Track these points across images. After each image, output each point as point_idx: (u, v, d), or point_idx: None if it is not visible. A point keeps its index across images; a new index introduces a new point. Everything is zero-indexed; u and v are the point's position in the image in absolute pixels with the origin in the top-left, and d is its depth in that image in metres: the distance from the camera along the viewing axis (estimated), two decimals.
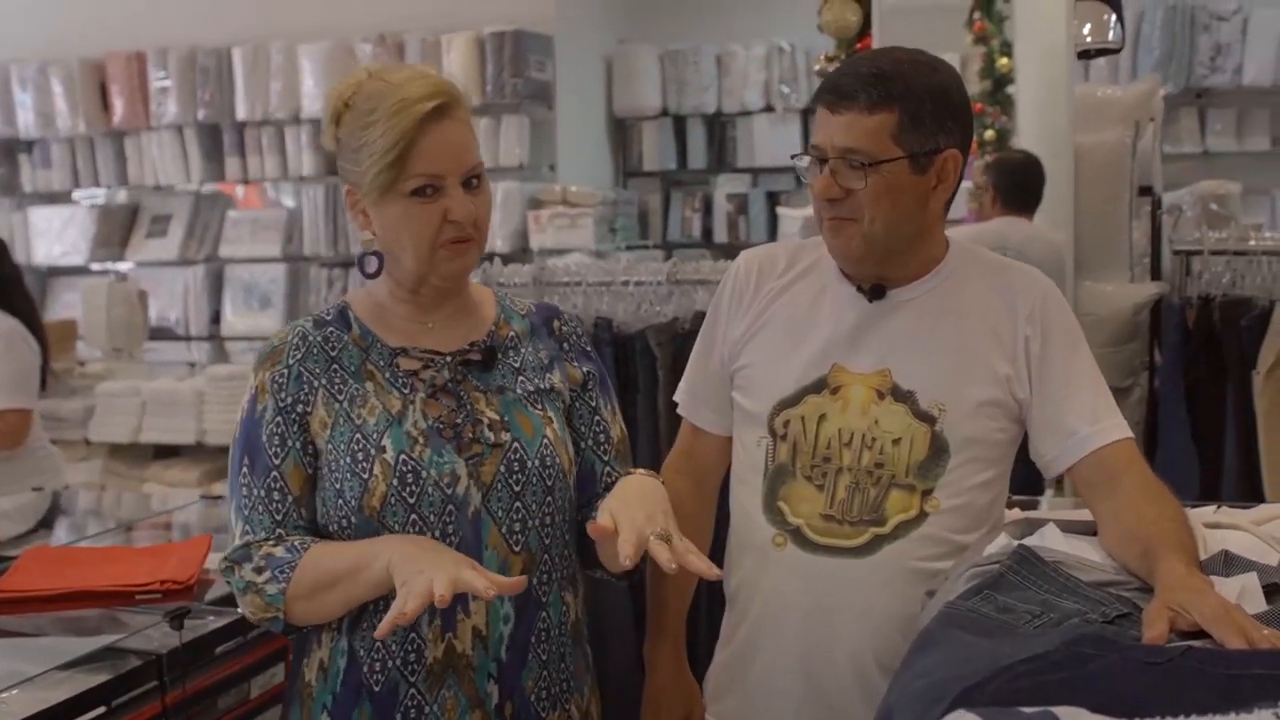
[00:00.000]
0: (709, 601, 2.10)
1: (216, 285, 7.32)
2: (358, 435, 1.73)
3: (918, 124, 1.76)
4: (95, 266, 7.43)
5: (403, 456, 1.72)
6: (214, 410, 5.75)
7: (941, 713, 1.29)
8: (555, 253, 6.40)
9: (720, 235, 8.15)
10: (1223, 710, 1.13)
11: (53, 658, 1.97)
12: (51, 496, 3.53)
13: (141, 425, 5.98)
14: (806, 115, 8.09)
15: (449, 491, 1.73)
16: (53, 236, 7.48)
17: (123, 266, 7.41)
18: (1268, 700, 1.11)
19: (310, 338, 1.80)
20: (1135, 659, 1.32)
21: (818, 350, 1.86)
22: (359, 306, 1.85)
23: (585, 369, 1.91)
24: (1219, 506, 2.04)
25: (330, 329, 1.82)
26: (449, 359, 1.81)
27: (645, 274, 3.44)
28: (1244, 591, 1.53)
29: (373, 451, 1.72)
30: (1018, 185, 4.31)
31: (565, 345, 1.91)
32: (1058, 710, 1.15)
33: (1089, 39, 3.35)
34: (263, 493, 1.74)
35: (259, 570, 1.71)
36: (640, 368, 3.22)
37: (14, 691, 1.86)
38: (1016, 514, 2.01)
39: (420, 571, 1.56)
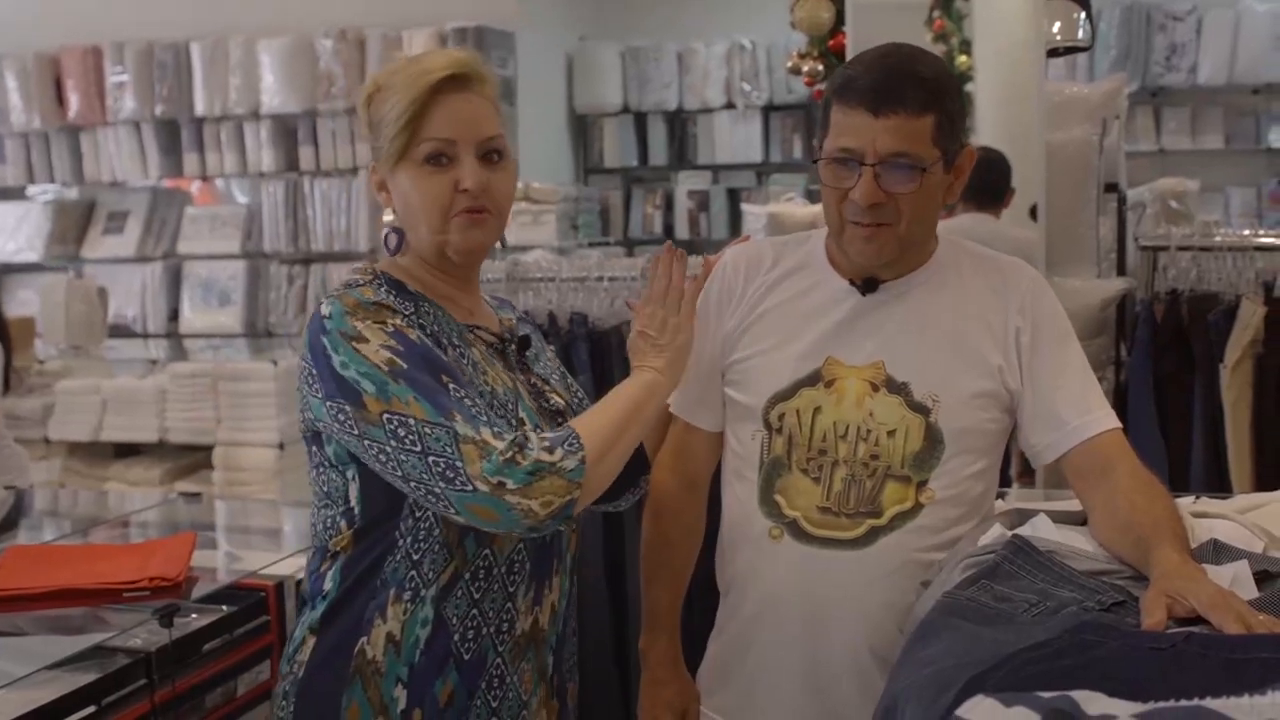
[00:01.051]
0: (701, 593, 2.10)
1: (175, 282, 7.23)
2: (495, 403, 1.72)
3: (951, 124, 1.78)
4: (50, 264, 7.33)
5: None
6: (176, 408, 5.68)
7: (951, 700, 1.31)
8: (518, 249, 6.38)
9: (682, 232, 8.18)
10: (1235, 692, 1.15)
11: (41, 657, 1.95)
12: (19, 495, 3.49)
13: (102, 424, 5.90)
14: (767, 112, 8.13)
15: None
16: (6, 233, 7.37)
17: (79, 264, 7.32)
18: (1276, 682, 1.13)
19: (383, 289, 1.74)
20: (1139, 645, 1.34)
21: (811, 343, 1.88)
22: (403, 276, 1.79)
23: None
24: (1197, 498, 2.07)
25: (389, 293, 1.75)
26: (499, 340, 1.85)
27: (618, 270, 3.45)
28: (1236, 579, 1.55)
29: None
30: (981, 182, 4.36)
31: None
32: (1074, 694, 1.17)
33: (1058, 37, 3.38)
34: (482, 401, 1.68)
35: (550, 449, 1.62)
36: (615, 362, 3.23)
37: (2, 692, 1.84)
38: (1007, 504, 2.04)
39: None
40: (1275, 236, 3.48)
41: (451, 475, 1.59)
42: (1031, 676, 1.29)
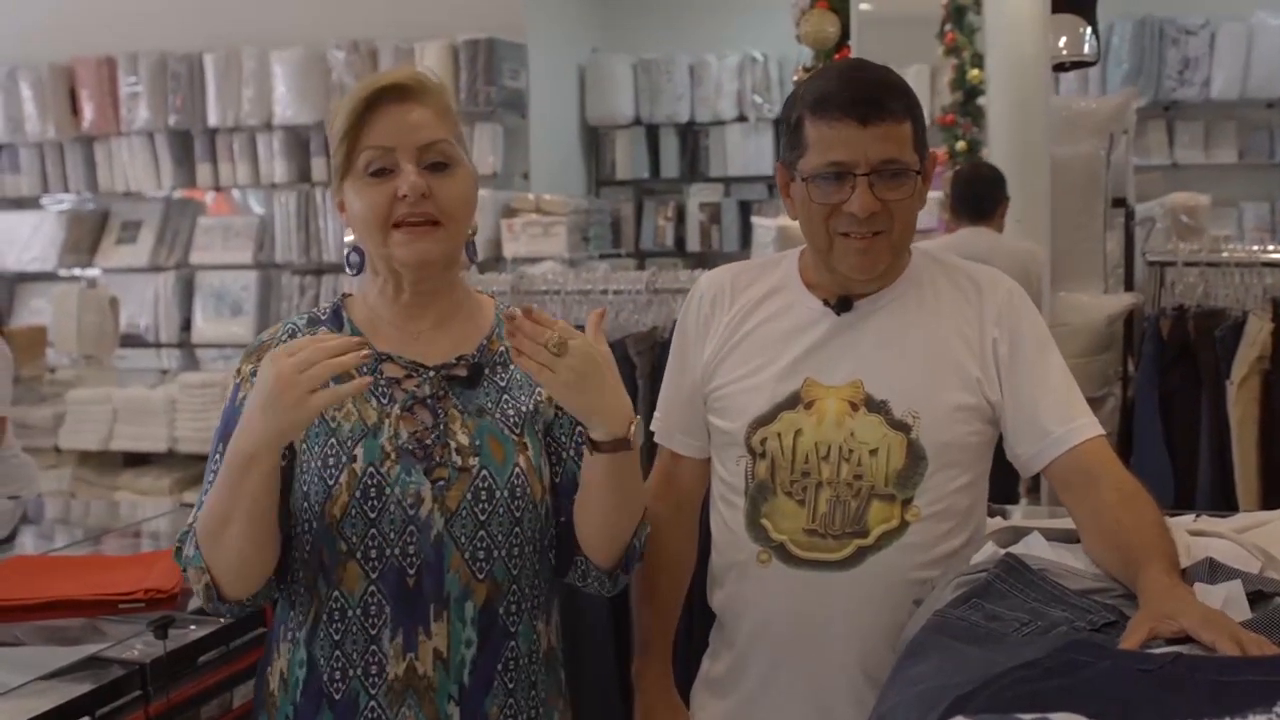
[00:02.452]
0: (695, 618, 2.10)
1: (187, 292, 7.27)
2: (332, 440, 1.71)
3: (923, 129, 1.82)
4: (64, 273, 7.37)
5: (371, 470, 1.69)
6: (186, 418, 5.72)
7: (937, 719, 1.31)
8: (528, 261, 6.40)
9: (693, 244, 8.18)
10: (1215, 715, 1.14)
11: (36, 668, 1.95)
12: (24, 505, 3.50)
13: (112, 433, 5.94)
14: (779, 125, 8.13)
15: (411, 512, 1.69)
16: (21, 243, 7.41)
17: (92, 273, 7.35)
18: (1262, 705, 1.12)
19: (300, 335, 1.77)
20: (1128, 666, 1.33)
21: (789, 366, 1.86)
22: (354, 307, 1.83)
23: None
24: (1198, 515, 2.06)
25: (322, 328, 1.80)
26: (432, 373, 1.77)
27: (624, 283, 3.45)
28: (1229, 600, 1.54)
29: (344, 460, 1.70)
30: (971, 195, 4.37)
31: None
32: (1054, 716, 1.16)
33: (1064, 51, 3.38)
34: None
35: (188, 542, 1.70)
36: (621, 375, 3.22)
37: None
38: (1000, 522, 2.03)
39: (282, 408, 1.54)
40: None
41: None
42: (1017, 697, 1.28)
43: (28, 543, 3.14)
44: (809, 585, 1.83)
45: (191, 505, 3.39)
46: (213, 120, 7.07)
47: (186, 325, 7.24)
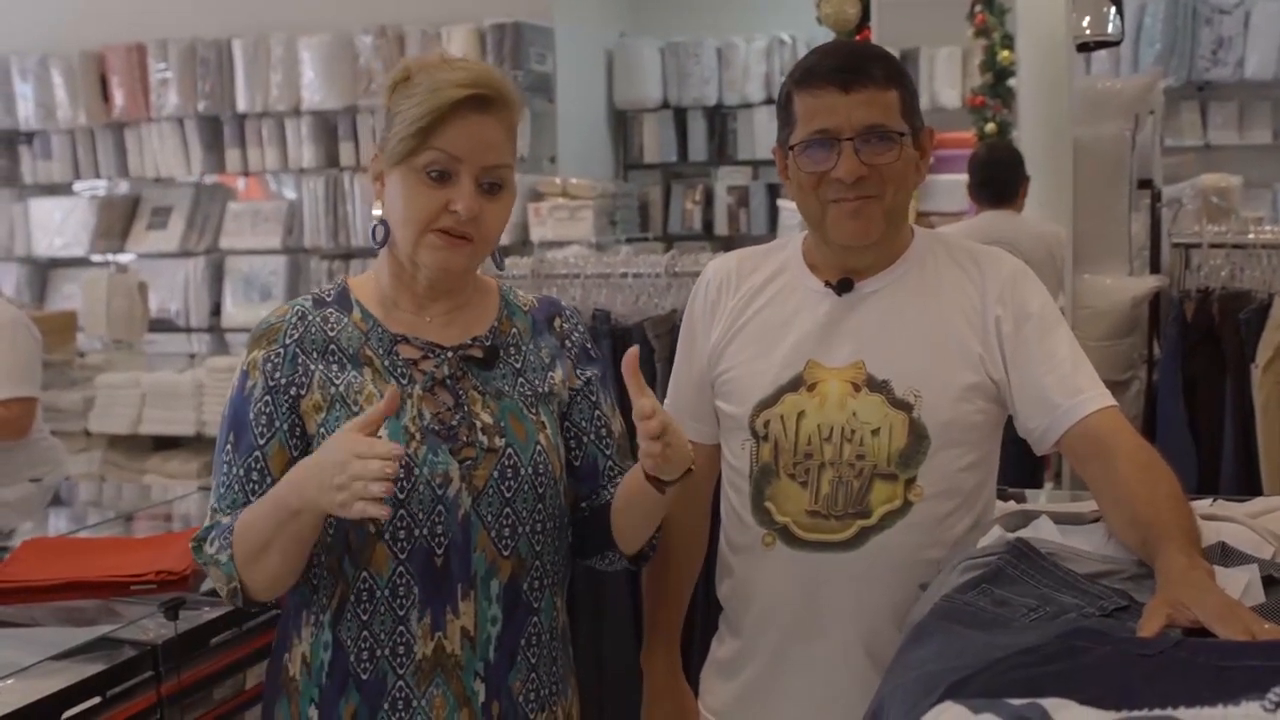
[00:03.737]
0: (704, 604, 2.10)
1: (217, 277, 7.32)
2: None
3: (913, 100, 1.83)
4: (96, 258, 7.42)
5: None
6: (214, 402, 5.75)
7: (933, 704, 1.30)
8: (555, 245, 6.40)
9: (721, 228, 8.16)
10: (1210, 702, 1.13)
11: (48, 648, 1.98)
12: (52, 487, 3.54)
13: (141, 417, 5.99)
14: None
15: (440, 492, 1.71)
16: (53, 228, 7.47)
17: (123, 258, 7.40)
18: (1256, 691, 1.11)
19: (310, 317, 1.78)
20: (1128, 651, 1.31)
21: (791, 349, 1.86)
22: (361, 289, 1.83)
23: (586, 374, 1.89)
24: (1214, 499, 2.03)
25: (330, 309, 1.80)
26: (450, 353, 1.79)
27: (643, 266, 3.44)
28: (1249, 586, 1.52)
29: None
30: (988, 179, 4.33)
31: (567, 343, 1.89)
32: (1045, 701, 1.15)
33: (1088, 31, 3.33)
34: (241, 471, 1.73)
35: (212, 542, 1.71)
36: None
37: (9, 681, 1.87)
38: (1010, 505, 2.01)
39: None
40: None
41: None
42: (1013, 682, 1.27)
43: (60, 524, 3.18)
44: (813, 567, 1.83)
45: (201, 489, 3.43)
46: (242, 106, 7.10)
47: (216, 310, 7.29)
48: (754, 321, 1.91)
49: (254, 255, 7.23)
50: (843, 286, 1.86)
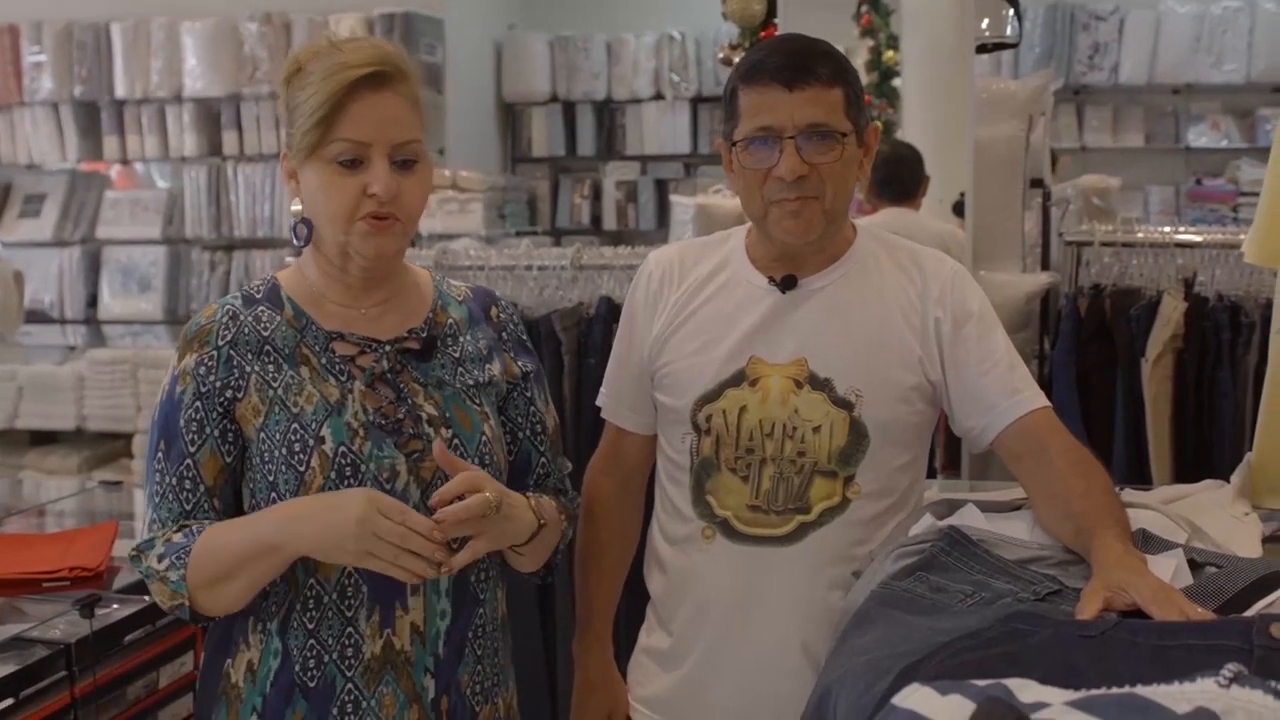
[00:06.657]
0: (630, 594, 2.11)
1: (93, 267, 7.09)
2: (295, 425, 1.68)
3: (858, 98, 1.84)
4: None
5: (342, 449, 1.67)
6: (95, 396, 5.59)
7: (886, 688, 1.32)
8: (444, 237, 6.33)
9: (609, 222, 8.16)
10: (1165, 679, 1.17)
11: None
12: None
13: (18, 410, 5.79)
14: (696, 104, 8.14)
15: (388, 487, 1.68)
16: None
17: None
18: (1209, 668, 1.15)
19: (241, 316, 1.74)
20: (1069, 633, 1.35)
21: (735, 344, 1.87)
22: (291, 285, 1.79)
23: (524, 366, 1.88)
24: (1122, 489, 2.10)
25: (262, 307, 1.75)
26: (387, 347, 1.76)
27: (548, 259, 3.43)
28: (1177, 570, 1.58)
29: (311, 443, 1.67)
30: (891, 177, 4.41)
31: (503, 335, 1.88)
32: (1008, 682, 1.18)
33: (987, 33, 3.41)
34: (174, 480, 1.70)
35: (160, 557, 1.67)
36: (545, 353, 3.21)
37: None
38: (936, 494, 2.05)
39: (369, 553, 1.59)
40: (1195, 234, 3.53)
41: None
42: (964, 665, 1.29)
43: None
44: (752, 560, 1.84)
45: (103, 484, 3.34)
46: (120, 92, 6.90)
47: (93, 301, 7.07)
48: (697, 315, 1.91)
49: (133, 245, 7.02)
50: (787, 284, 1.88)
